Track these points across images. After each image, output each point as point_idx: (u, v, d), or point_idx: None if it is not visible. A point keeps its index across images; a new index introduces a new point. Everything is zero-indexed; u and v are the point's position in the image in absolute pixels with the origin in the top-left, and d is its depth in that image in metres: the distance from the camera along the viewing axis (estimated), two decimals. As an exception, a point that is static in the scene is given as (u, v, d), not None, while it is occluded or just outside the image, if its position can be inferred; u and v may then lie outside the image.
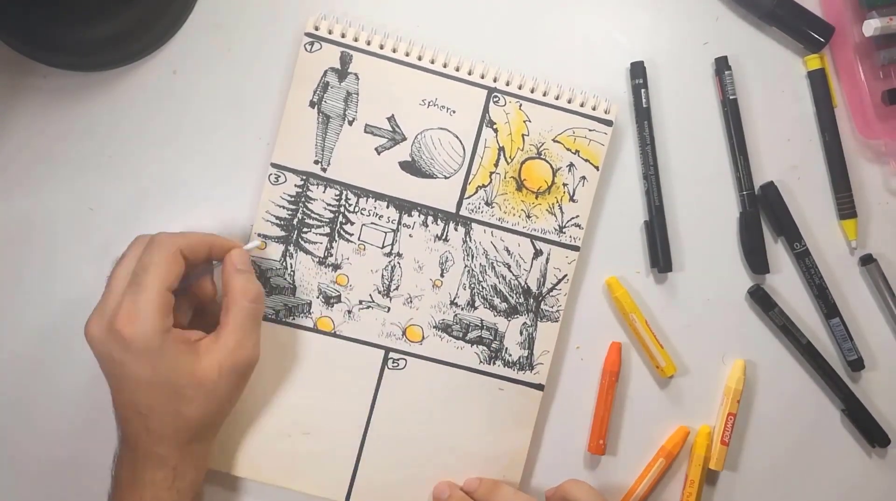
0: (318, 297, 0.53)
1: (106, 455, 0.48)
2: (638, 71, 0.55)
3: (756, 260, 0.56)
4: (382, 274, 0.53)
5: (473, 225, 0.53)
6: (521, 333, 0.54)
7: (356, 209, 0.53)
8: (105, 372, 0.46)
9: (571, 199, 0.54)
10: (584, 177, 0.54)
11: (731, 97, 0.55)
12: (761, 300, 0.55)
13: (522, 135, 0.53)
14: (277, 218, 0.52)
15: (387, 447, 0.53)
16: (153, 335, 0.44)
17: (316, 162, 0.52)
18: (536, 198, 0.53)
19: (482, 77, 0.53)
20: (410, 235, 0.53)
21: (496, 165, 0.53)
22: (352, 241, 0.53)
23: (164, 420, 0.45)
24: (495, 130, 0.53)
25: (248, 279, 0.48)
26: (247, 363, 0.47)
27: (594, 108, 0.53)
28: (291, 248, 0.52)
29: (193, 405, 0.45)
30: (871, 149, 0.57)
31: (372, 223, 0.53)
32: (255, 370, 0.48)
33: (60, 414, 0.53)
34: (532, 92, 0.53)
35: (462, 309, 0.53)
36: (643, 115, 0.55)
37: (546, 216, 0.54)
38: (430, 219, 0.53)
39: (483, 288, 0.53)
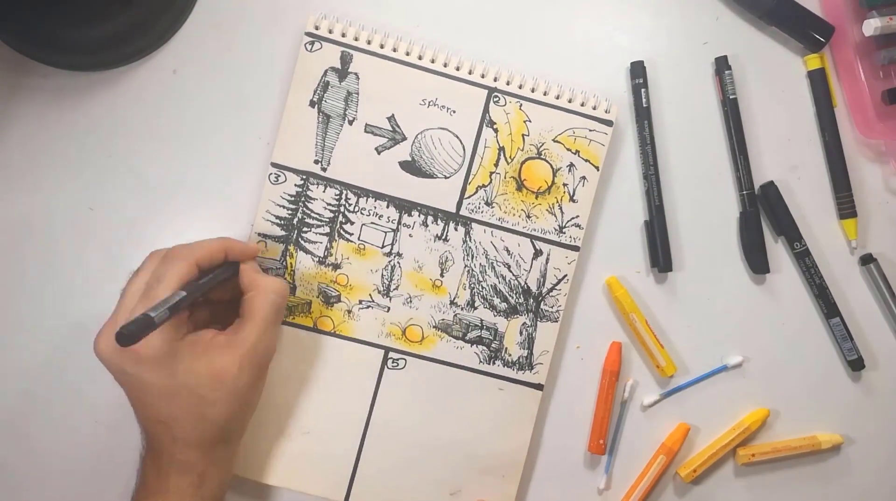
0: (317, 297, 0.53)
1: (130, 455, 0.47)
2: (638, 70, 0.55)
3: (756, 259, 0.56)
4: (382, 274, 0.53)
5: (473, 225, 0.53)
6: (521, 333, 0.54)
7: (356, 209, 0.53)
8: (122, 386, 0.45)
9: (571, 199, 0.54)
10: (584, 177, 0.54)
11: (731, 97, 0.55)
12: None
13: (522, 135, 0.53)
14: (277, 217, 0.52)
15: (386, 447, 0.53)
16: (163, 345, 0.43)
17: (316, 161, 0.52)
18: (536, 198, 0.53)
19: (482, 77, 0.53)
20: (410, 235, 0.53)
21: (496, 165, 0.53)
22: (352, 241, 0.53)
23: (189, 426, 0.44)
24: (495, 130, 0.53)
25: (275, 277, 0.49)
26: (266, 356, 0.47)
27: (594, 108, 0.53)
28: (291, 248, 0.52)
29: (217, 407, 0.44)
30: (871, 149, 0.57)
31: (372, 223, 0.53)
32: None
33: (68, 413, 0.53)
34: (532, 92, 0.53)
35: (462, 308, 0.53)
36: (643, 115, 0.55)
37: (546, 216, 0.53)
38: (430, 218, 0.53)
39: (483, 288, 0.53)
